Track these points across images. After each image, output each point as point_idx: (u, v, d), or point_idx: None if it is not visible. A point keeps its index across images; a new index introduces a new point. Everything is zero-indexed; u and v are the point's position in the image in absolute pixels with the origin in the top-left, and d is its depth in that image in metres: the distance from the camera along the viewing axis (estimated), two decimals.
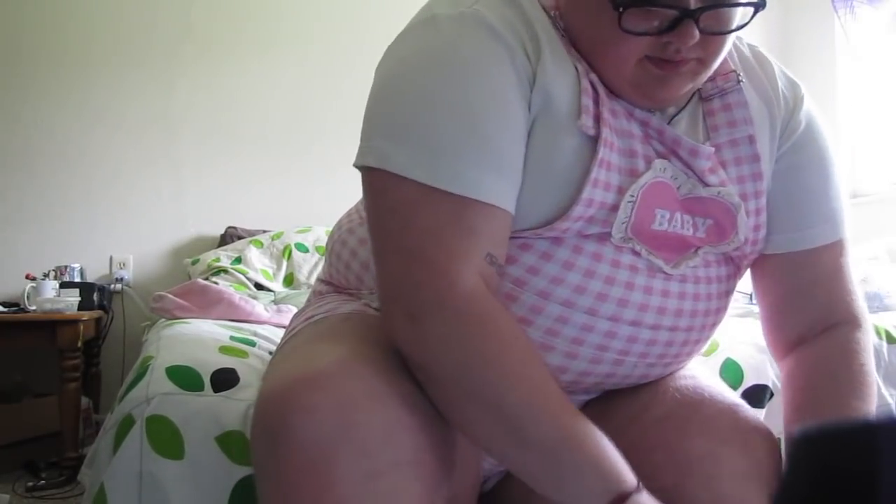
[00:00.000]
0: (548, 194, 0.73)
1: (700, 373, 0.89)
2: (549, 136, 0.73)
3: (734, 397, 0.86)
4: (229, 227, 2.87)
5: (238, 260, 2.61)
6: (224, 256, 2.63)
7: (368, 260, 0.91)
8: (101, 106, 2.85)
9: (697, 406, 0.81)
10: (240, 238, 2.80)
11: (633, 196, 0.75)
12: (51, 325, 2.23)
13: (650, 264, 0.77)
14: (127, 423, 0.90)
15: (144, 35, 2.90)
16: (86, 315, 2.33)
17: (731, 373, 1.23)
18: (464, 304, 0.66)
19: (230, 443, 0.89)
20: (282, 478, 0.61)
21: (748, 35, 0.94)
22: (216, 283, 2.32)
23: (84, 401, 2.40)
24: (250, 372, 1.03)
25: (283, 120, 3.02)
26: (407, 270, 0.68)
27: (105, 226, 2.84)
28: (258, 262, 2.62)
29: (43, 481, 2.16)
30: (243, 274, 2.53)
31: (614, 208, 0.74)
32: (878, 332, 1.43)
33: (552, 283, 0.74)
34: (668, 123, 0.80)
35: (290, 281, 2.62)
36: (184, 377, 0.97)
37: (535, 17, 0.76)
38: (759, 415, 1.15)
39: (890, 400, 1.36)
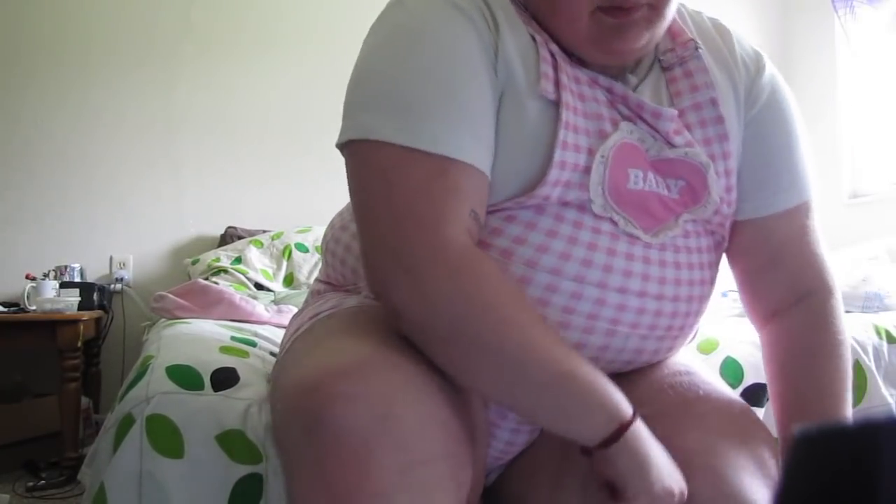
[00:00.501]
0: (520, 161, 0.75)
1: (698, 369, 0.89)
2: (514, 104, 0.76)
3: (731, 394, 0.86)
4: (229, 228, 2.87)
5: (238, 260, 2.61)
6: (224, 256, 2.63)
7: None
8: (100, 106, 2.84)
9: (692, 403, 0.81)
10: (240, 238, 2.80)
11: (603, 156, 0.77)
12: (51, 325, 2.23)
13: (629, 233, 0.78)
14: (127, 423, 0.90)
15: (144, 35, 2.90)
16: (86, 315, 2.33)
17: (731, 371, 1.23)
18: (458, 259, 0.68)
19: (230, 442, 0.89)
20: (320, 467, 0.61)
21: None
22: (216, 283, 2.32)
23: (84, 401, 2.40)
24: (250, 371, 1.03)
25: (283, 120, 3.02)
26: (400, 228, 0.69)
27: (105, 226, 2.84)
28: (258, 262, 2.62)
29: (43, 481, 2.16)
30: (243, 274, 2.53)
31: (587, 170, 0.76)
32: (878, 332, 1.43)
33: (538, 251, 0.75)
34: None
35: (290, 281, 2.62)
36: (184, 376, 0.96)
37: None
38: (758, 413, 1.15)
39: (890, 400, 1.36)
